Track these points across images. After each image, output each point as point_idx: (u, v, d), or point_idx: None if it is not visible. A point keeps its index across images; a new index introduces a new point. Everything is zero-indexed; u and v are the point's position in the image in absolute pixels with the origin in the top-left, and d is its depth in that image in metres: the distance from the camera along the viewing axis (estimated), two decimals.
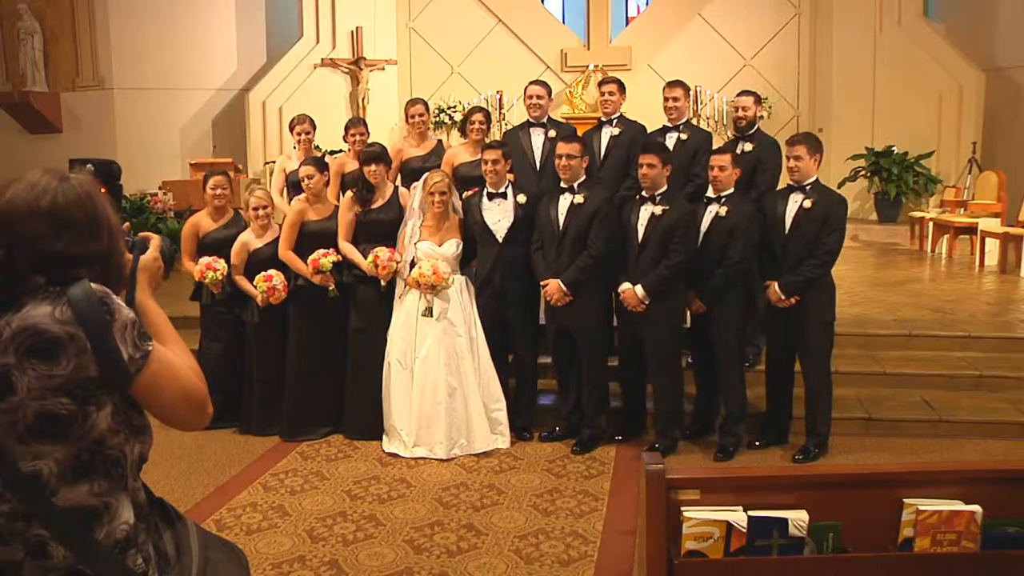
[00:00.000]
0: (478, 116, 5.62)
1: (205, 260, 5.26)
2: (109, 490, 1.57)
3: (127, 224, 1.78)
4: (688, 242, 4.75)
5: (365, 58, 11.84)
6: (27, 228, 1.53)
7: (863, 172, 11.11)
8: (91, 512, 1.54)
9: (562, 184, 4.93)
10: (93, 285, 1.54)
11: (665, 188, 4.81)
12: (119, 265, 1.66)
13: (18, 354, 1.48)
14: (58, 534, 1.52)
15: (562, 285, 4.84)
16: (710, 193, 4.88)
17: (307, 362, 5.27)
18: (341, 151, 8.24)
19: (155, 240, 1.83)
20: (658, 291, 4.75)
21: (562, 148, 4.91)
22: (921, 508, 2.56)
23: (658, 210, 4.77)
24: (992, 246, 8.77)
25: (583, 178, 4.93)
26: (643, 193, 4.85)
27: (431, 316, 4.94)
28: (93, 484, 1.54)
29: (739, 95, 5.60)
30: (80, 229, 1.56)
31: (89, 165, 1.86)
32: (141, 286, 1.75)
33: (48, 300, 1.51)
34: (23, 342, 1.48)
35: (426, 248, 5.02)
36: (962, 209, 9.82)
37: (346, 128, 6.16)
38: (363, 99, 11.83)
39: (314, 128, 6.41)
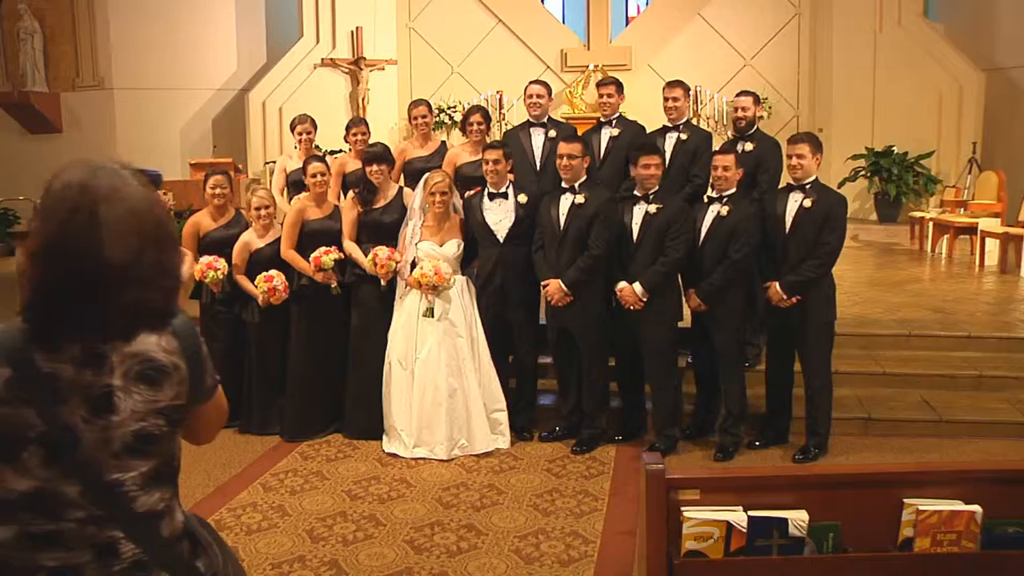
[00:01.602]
0: (476, 116, 5.61)
1: (206, 259, 5.26)
2: (172, 495, 1.67)
3: None
4: (685, 238, 4.76)
5: (365, 58, 11.85)
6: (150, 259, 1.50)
7: (863, 172, 11.11)
8: (159, 514, 1.63)
9: (563, 184, 4.93)
10: (183, 314, 1.62)
11: (658, 187, 4.83)
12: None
13: (126, 378, 1.52)
14: (135, 536, 1.59)
15: (563, 285, 4.84)
16: (712, 193, 4.89)
17: (308, 362, 5.27)
18: (341, 151, 8.24)
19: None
20: (656, 288, 4.76)
21: (563, 148, 4.91)
22: (921, 508, 2.56)
23: (652, 208, 4.78)
24: (992, 246, 8.77)
25: (584, 178, 4.93)
26: (636, 192, 4.86)
27: (432, 316, 4.94)
28: (163, 491, 1.63)
29: (738, 95, 5.60)
30: (168, 241, 1.57)
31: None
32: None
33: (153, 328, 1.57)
34: (132, 367, 1.53)
35: (427, 248, 5.02)
36: (962, 209, 9.82)
37: (347, 128, 6.17)
38: (363, 99, 11.84)
39: (315, 128, 6.41)
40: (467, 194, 5.29)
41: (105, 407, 1.51)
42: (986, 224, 8.96)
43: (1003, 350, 5.95)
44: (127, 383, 1.52)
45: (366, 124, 6.19)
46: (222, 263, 5.25)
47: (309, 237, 5.26)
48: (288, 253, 5.25)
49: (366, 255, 5.11)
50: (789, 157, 4.79)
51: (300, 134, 6.32)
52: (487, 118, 5.71)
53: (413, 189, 5.32)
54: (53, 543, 1.53)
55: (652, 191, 4.81)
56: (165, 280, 1.53)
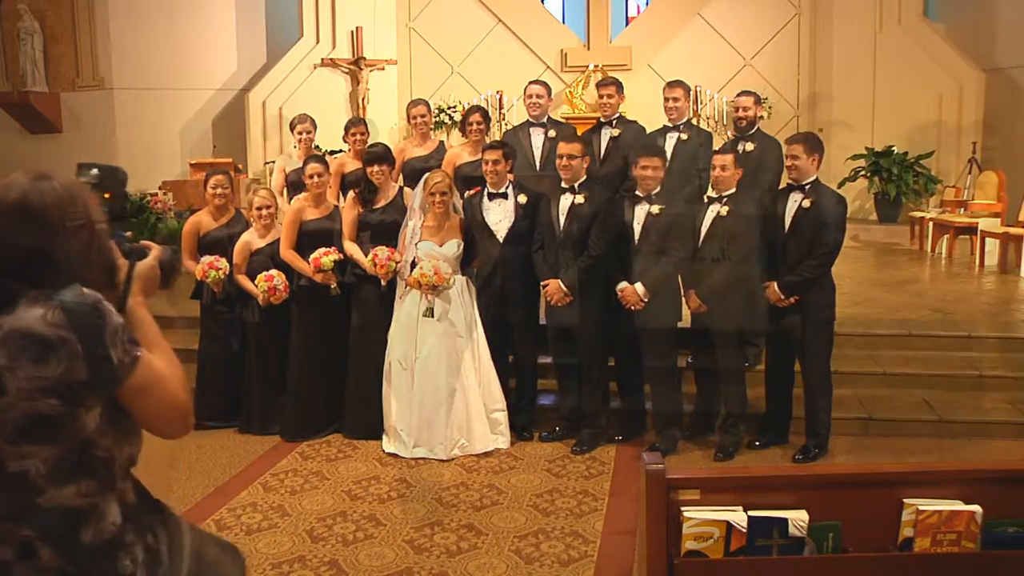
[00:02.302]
0: (475, 116, 5.62)
1: (207, 259, 5.27)
2: (96, 491, 1.57)
3: (130, 232, 1.78)
4: (686, 239, 4.76)
5: (365, 58, 11.83)
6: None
7: (863, 172, 11.09)
8: (77, 513, 1.55)
9: (563, 184, 4.93)
10: (84, 290, 1.55)
11: (659, 188, 4.83)
12: (92, 265, 1.64)
13: (10, 356, 1.48)
14: (43, 535, 1.52)
15: (562, 285, 4.84)
16: (711, 193, 4.89)
17: (308, 362, 5.27)
18: (341, 151, 8.24)
19: (155, 250, 1.82)
20: (658, 288, 4.76)
21: (563, 148, 4.92)
22: (921, 508, 2.56)
23: (655, 209, 4.78)
24: (992, 246, 8.76)
25: (584, 178, 4.93)
26: (638, 192, 4.86)
27: (432, 316, 4.93)
28: (80, 485, 1.55)
29: (739, 95, 5.61)
30: (43, 224, 1.56)
31: (95, 170, 1.86)
32: (133, 293, 1.74)
33: (39, 303, 1.51)
34: (14, 344, 1.48)
35: (427, 248, 5.01)
36: (962, 209, 9.80)
37: (346, 128, 6.18)
38: (363, 99, 11.82)
39: (315, 128, 6.42)
40: (467, 194, 5.29)
41: None
42: (986, 224, 8.95)
43: (1003, 350, 5.94)
44: (11, 361, 1.48)
45: (365, 124, 6.20)
46: (223, 263, 5.26)
47: (307, 237, 5.26)
48: (287, 253, 5.26)
49: (366, 255, 5.11)
50: (786, 158, 4.81)
51: (300, 134, 6.32)
52: (487, 118, 5.72)
53: (411, 189, 5.33)
54: None
55: (654, 192, 4.81)
56: (25, 253, 1.52)
